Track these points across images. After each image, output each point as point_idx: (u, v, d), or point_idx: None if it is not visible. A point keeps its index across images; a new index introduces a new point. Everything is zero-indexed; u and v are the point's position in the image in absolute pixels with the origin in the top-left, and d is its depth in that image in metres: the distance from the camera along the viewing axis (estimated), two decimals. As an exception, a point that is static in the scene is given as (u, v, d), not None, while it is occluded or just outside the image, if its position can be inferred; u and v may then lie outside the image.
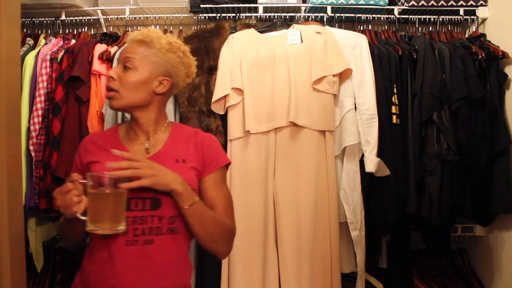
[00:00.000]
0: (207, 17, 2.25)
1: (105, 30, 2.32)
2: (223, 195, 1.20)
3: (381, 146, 1.87)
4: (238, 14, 2.24)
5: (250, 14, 2.27)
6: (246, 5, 2.22)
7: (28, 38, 2.19)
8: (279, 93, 1.85)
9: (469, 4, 2.21)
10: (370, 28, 2.27)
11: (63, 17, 2.27)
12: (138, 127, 1.21)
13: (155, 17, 2.29)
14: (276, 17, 2.22)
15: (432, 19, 2.30)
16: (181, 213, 1.10)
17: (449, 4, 2.21)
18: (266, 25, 2.11)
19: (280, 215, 1.82)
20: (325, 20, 2.23)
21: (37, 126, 1.96)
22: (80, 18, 2.32)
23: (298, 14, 2.26)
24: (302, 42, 1.92)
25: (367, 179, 1.89)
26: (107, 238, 1.10)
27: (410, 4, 2.19)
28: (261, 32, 2.04)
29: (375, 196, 1.92)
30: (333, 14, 2.22)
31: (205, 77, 1.94)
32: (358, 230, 1.85)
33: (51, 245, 2.21)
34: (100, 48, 2.02)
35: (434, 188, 1.89)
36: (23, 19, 2.23)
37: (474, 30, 2.28)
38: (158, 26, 2.34)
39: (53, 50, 2.04)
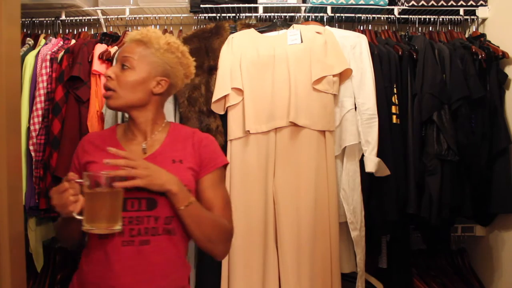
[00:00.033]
0: (207, 17, 2.25)
1: (105, 30, 2.32)
2: (220, 196, 1.20)
3: (381, 146, 1.87)
4: (238, 14, 2.24)
5: (250, 14, 2.27)
6: (246, 5, 2.22)
7: (28, 38, 2.19)
8: (279, 93, 1.85)
9: (469, 4, 2.21)
10: (370, 28, 2.27)
11: (63, 17, 2.27)
12: (136, 127, 1.21)
13: (155, 17, 2.29)
14: (276, 17, 2.21)
15: (432, 19, 2.30)
16: (177, 214, 1.10)
17: (449, 4, 2.21)
18: (266, 25, 2.11)
19: (280, 215, 1.82)
20: (325, 20, 2.23)
21: (37, 126, 1.96)
22: (80, 18, 2.32)
23: (298, 14, 2.26)
24: (302, 42, 1.92)
25: (367, 179, 1.89)
26: (104, 238, 1.10)
27: (410, 4, 2.19)
28: (261, 32, 2.04)
29: (375, 196, 1.92)
30: (333, 14, 2.22)
31: (205, 77, 1.94)
32: (358, 230, 1.85)
33: (51, 245, 2.21)
34: (100, 48, 2.02)
35: (434, 188, 1.89)
36: (23, 19, 2.23)
37: (474, 30, 2.28)
38: (158, 26, 2.34)
39: (53, 50, 2.04)
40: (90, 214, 1.01)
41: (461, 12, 2.24)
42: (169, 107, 1.93)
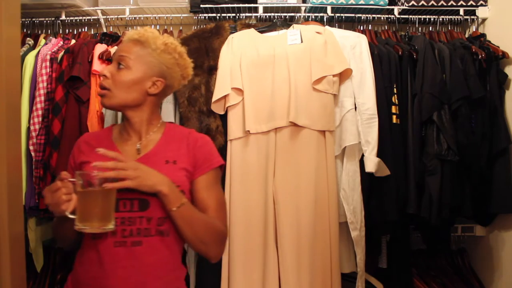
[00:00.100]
0: (207, 17, 2.25)
1: (105, 30, 2.32)
2: (215, 197, 1.19)
3: (381, 146, 1.86)
4: (238, 14, 2.24)
5: (250, 14, 2.27)
6: (246, 5, 2.22)
7: (28, 38, 2.19)
8: (279, 93, 1.85)
9: (469, 4, 2.21)
10: (370, 28, 2.27)
11: (63, 17, 2.27)
12: (131, 127, 1.20)
13: (155, 17, 2.29)
14: (276, 17, 2.22)
15: (432, 19, 2.30)
16: (169, 215, 1.09)
17: (449, 4, 2.21)
18: (266, 25, 2.11)
19: (280, 215, 1.82)
20: (325, 20, 2.23)
21: (37, 126, 1.96)
22: (80, 18, 2.32)
23: (298, 14, 2.26)
24: (302, 42, 1.92)
25: (367, 179, 1.89)
26: (96, 238, 1.09)
27: (410, 4, 2.19)
28: (261, 32, 2.04)
29: (375, 196, 1.92)
30: (333, 14, 2.22)
31: (205, 77, 1.94)
32: (358, 230, 1.85)
33: (51, 245, 2.21)
34: (100, 48, 2.02)
35: (434, 188, 1.89)
36: (23, 19, 2.23)
37: (474, 30, 2.28)
38: (158, 26, 2.34)
39: (53, 50, 2.04)
40: (82, 213, 1.01)
41: (461, 12, 2.24)
42: (169, 107, 1.93)
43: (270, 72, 1.88)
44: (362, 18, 2.24)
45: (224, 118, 1.92)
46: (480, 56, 2.00)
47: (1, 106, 0.94)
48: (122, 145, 1.20)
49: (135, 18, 2.29)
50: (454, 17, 2.28)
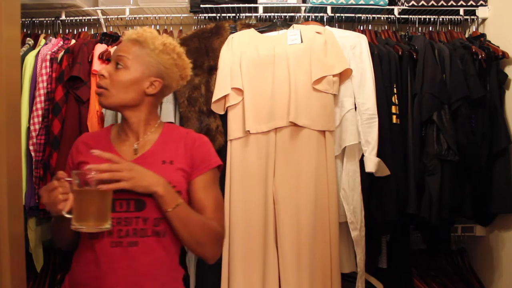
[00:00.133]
0: (207, 17, 2.25)
1: (105, 30, 2.32)
2: (212, 198, 1.18)
3: (381, 146, 1.86)
4: (238, 14, 2.24)
5: (250, 14, 2.27)
6: (246, 5, 2.22)
7: (28, 38, 2.19)
8: (279, 93, 1.85)
9: (469, 4, 2.21)
10: (370, 28, 2.27)
11: (63, 17, 2.27)
12: (128, 127, 1.20)
13: (155, 17, 2.29)
14: (276, 17, 2.22)
15: (432, 19, 2.30)
16: (165, 216, 1.08)
17: (449, 4, 2.22)
18: (266, 25, 2.11)
19: (280, 215, 1.82)
20: (325, 20, 2.23)
21: (37, 126, 1.96)
22: (80, 18, 2.32)
23: (298, 14, 2.26)
24: (302, 42, 1.92)
25: (367, 179, 1.89)
26: (93, 238, 1.09)
27: (410, 4, 2.19)
28: (261, 32, 2.04)
29: (375, 196, 1.92)
30: (333, 14, 2.22)
31: (205, 77, 1.94)
32: (358, 230, 1.85)
33: (51, 245, 2.21)
34: (100, 48, 2.02)
35: (434, 188, 1.89)
36: (23, 19, 2.23)
37: (474, 30, 2.28)
38: (158, 26, 2.34)
39: (53, 50, 2.04)
40: (78, 213, 1.01)
41: (461, 12, 2.24)
42: (169, 107, 1.93)
43: (270, 72, 1.88)
44: (362, 18, 2.24)
45: (224, 118, 1.92)
46: (480, 56, 2.00)
47: (1, 106, 0.94)
48: (119, 145, 1.19)
49: (135, 18, 2.29)
50: (454, 17, 2.28)
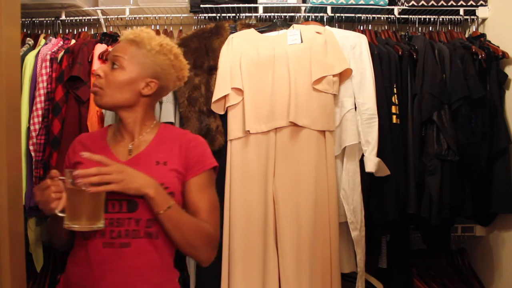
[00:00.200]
0: (207, 17, 2.25)
1: (105, 30, 2.32)
2: (207, 200, 1.16)
3: (381, 146, 1.86)
4: (238, 14, 2.24)
5: (250, 14, 2.27)
6: (246, 5, 2.22)
7: (28, 38, 2.19)
8: (279, 93, 1.85)
9: (469, 4, 2.21)
10: (370, 28, 2.27)
11: (63, 17, 2.27)
12: (124, 128, 1.20)
13: (155, 17, 2.29)
14: (276, 17, 2.21)
15: (432, 19, 2.30)
16: (157, 218, 1.08)
17: (449, 4, 2.21)
18: (266, 25, 2.11)
19: (280, 215, 1.82)
20: (325, 20, 2.23)
21: (37, 126, 1.96)
22: (80, 18, 2.32)
23: (298, 14, 2.26)
24: (302, 42, 1.92)
25: (367, 179, 1.89)
26: (86, 238, 1.09)
27: (410, 4, 2.19)
28: (261, 32, 2.04)
29: (375, 196, 1.92)
30: (333, 14, 2.22)
31: (205, 77, 1.94)
32: (358, 230, 1.85)
33: (51, 245, 2.20)
34: (100, 48, 2.02)
35: (434, 188, 1.89)
36: (23, 19, 2.23)
37: (474, 30, 2.28)
38: (158, 26, 2.34)
39: (53, 50, 2.04)
40: (71, 211, 1.01)
41: (461, 12, 2.24)
42: (169, 107, 1.93)
43: (270, 72, 1.88)
44: (362, 18, 2.24)
45: (224, 118, 1.92)
46: (480, 56, 2.00)
47: (1, 106, 0.94)
48: (115, 146, 1.19)
49: (135, 18, 2.28)
50: (454, 17, 2.28)
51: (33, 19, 2.25)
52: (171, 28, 2.35)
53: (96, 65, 1.97)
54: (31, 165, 1.97)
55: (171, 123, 1.93)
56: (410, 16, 2.27)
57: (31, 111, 1.97)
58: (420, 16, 2.28)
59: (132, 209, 1.09)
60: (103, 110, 1.95)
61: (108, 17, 2.33)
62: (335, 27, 2.15)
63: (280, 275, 1.80)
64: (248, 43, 1.95)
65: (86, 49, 2.01)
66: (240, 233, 1.84)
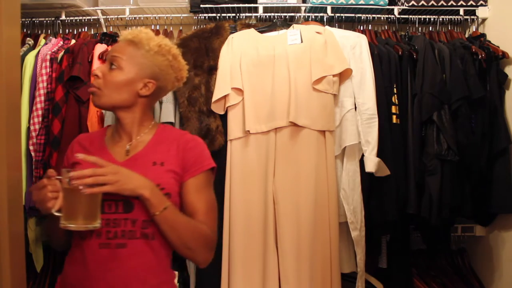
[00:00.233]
0: (207, 17, 2.25)
1: (105, 30, 2.32)
2: (204, 201, 1.16)
3: (381, 146, 1.87)
4: (238, 14, 2.24)
5: (250, 14, 2.27)
6: (246, 5, 2.22)
7: (28, 38, 2.19)
8: (279, 93, 1.85)
9: (469, 4, 2.21)
10: (370, 28, 2.27)
11: (63, 17, 2.27)
12: (122, 128, 1.19)
13: (155, 17, 2.29)
14: (276, 17, 2.21)
15: (432, 19, 2.30)
16: (153, 219, 1.07)
17: (449, 4, 2.21)
18: (266, 25, 2.11)
19: (280, 215, 1.82)
20: (325, 20, 2.23)
21: (37, 126, 1.96)
22: (80, 18, 2.32)
23: (298, 14, 2.26)
24: (302, 42, 1.92)
25: (367, 179, 1.89)
26: (83, 239, 1.09)
27: (410, 4, 2.19)
28: (261, 32, 2.04)
29: (375, 196, 1.92)
30: (333, 14, 2.22)
31: (205, 77, 1.94)
32: (358, 230, 1.85)
33: (50, 245, 2.21)
34: (100, 48, 2.02)
35: (434, 188, 1.89)
36: (23, 19, 2.23)
37: (474, 30, 2.28)
38: (158, 26, 2.34)
39: (53, 50, 2.04)
40: (67, 211, 1.01)
41: (461, 12, 2.24)
42: (169, 107, 1.93)
43: (270, 72, 1.88)
44: (362, 18, 2.24)
45: (224, 118, 1.92)
46: (480, 56, 2.00)
47: (1, 106, 0.94)
48: (113, 147, 1.19)
49: (135, 18, 2.28)
50: (454, 17, 2.28)
51: (33, 19, 2.25)
52: (171, 28, 2.35)
53: (96, 65, 1.97)
54: (31, 165, 1.97)
55: (171, 123, 1.93)
56: (410, 16, 2.27)
57: (31, 111, 1.97)
58: (420, 16, 2.28)
59: (128, 209, 1.08)
60: (103, 110, 1.95)
61: (108, 17, 2.33)
62: (335, 27, 2.15)
63: (280, 275, 1.80)
64: (248, 43, 1.95)
65: (86, 49, 2.01)
66: (240, 233, 1.84)
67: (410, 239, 2.10)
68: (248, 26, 2.11)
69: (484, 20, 2.25)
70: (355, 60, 1.93)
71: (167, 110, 1.92)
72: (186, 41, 1.96)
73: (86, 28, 2.38)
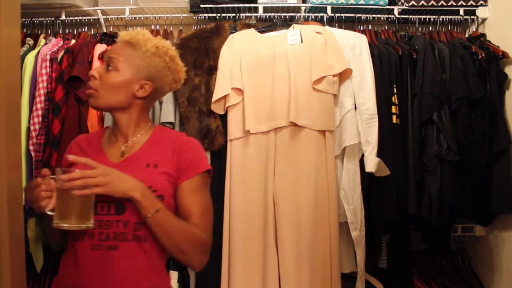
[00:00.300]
0: (207, 17, 2.25)
1: (105, 30, 2.32)
2: (199, 203, 1.14)
3: (381, 146, 1.87)
4: (238, 14, 2.24)
5: (250, 14, 2.27)
6: (246, 5, 2.22)
7: (28, 38, 2.19)
8: (279, 93, 1.85)
9: (469, 4, 2.21)
10: (370, 28, 2.27)
11: (63, 17, 2.27)
12: (118, 130, 1.19)
13: (155, 17, 2.29)
14: (276, 17, 2.21)
15: (432, 19, 2.30)
16: (144, 221, 1.06)
17: (449, 4, 2.21)
18: (266, 25, 2.11)
19: (280, 215, 1.82)
20: (325, 20, 2.23)
21: (37, 126, 1.96)
22: (80, 18, 2.32)
23: (298, 14, 2.26)
24: (302, 42, 1.92)
25: (367, 179, 1.89)
26: (76, 240, 1.09)
27: (410, 4, 2.19)
28: (261, 32, 2.04)
29: (375, 196, 1.92)
30: (333, 14, 2.22)
31: (205, 77, 1.94)
32: (358, 230, 1.85)
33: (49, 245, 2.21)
34: (100, 48, 2.02)
35: (434, 188, 1.89)
36: (23, 19, 2.23)
37: (474, 30, 2.28)
38: (158, 26, 2.34)
39: (53, 50, 2.04)
40: (61, 210, 1.01)
41: (461, 12, 2.24)
42: (169, 107, 1.93)
43: (270, 72, 1.88)
44: (362, 18, 2.24)
45: (224, 118, 1.92)
46: (480, 56, 2.00)
47: (1, 106, 0.94)
48: (109, 148, 1.19)
49: (135, 18, 2.28)
50: (454, 17, 2.28)
51: (33, 19, 2.25)
52: (171, 28, 2.35)
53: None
54: (31, 165, 1.96)
55: (171, 123, 1.93)
56: (410, 16, 2.27)
57: (31, 111, 1.97)
58: (420, 16, 2.28)
59: (120, 211, 1.08)
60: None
61: (108, 17, 2.33)
62: (335, 27, 2.15)
63: (280, 275, 1.80)
64: (248, 43, 1.95)
65: (86, 49, 2.01)
66: (240, 233, 1.84)
67: (410, 239, 2.10)
68: (248, 26, 2.11)
69: (484, 20, 2.25)
70: (355, 60, 1.93)
71: (167, 110, 1.93)
72: (186, 41, 1.96)
73: (86, 28, 2.38)
